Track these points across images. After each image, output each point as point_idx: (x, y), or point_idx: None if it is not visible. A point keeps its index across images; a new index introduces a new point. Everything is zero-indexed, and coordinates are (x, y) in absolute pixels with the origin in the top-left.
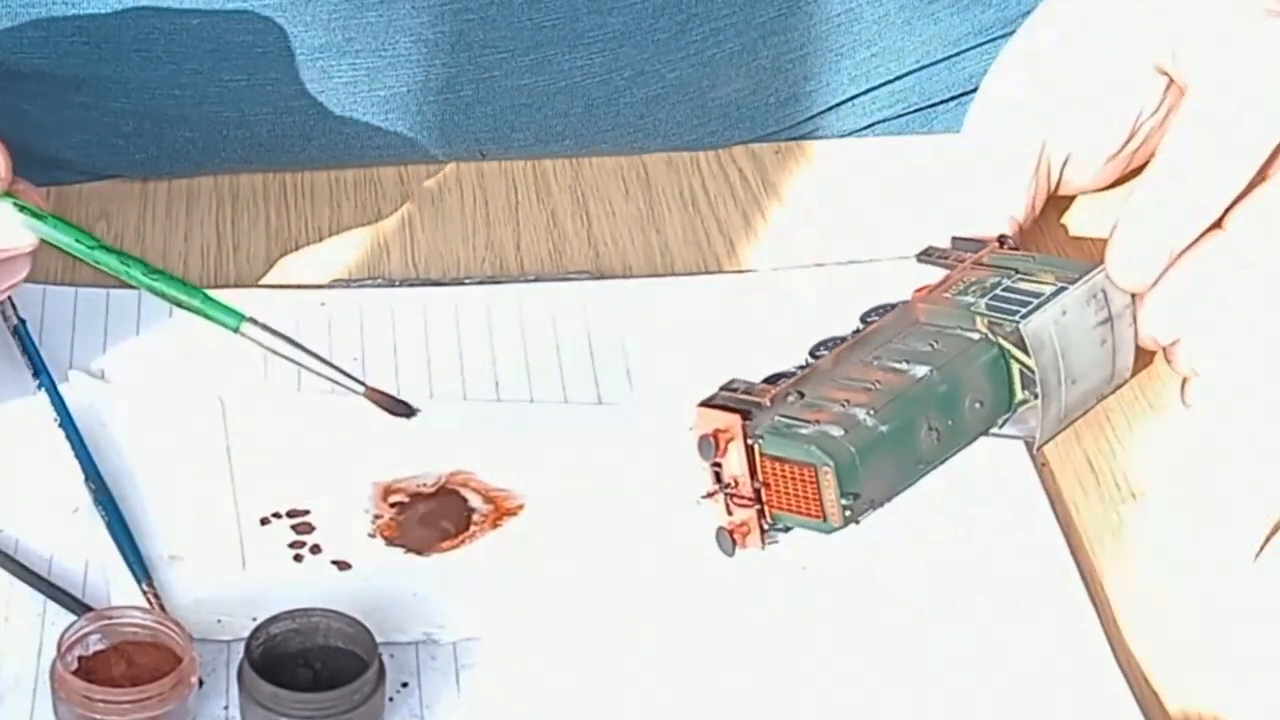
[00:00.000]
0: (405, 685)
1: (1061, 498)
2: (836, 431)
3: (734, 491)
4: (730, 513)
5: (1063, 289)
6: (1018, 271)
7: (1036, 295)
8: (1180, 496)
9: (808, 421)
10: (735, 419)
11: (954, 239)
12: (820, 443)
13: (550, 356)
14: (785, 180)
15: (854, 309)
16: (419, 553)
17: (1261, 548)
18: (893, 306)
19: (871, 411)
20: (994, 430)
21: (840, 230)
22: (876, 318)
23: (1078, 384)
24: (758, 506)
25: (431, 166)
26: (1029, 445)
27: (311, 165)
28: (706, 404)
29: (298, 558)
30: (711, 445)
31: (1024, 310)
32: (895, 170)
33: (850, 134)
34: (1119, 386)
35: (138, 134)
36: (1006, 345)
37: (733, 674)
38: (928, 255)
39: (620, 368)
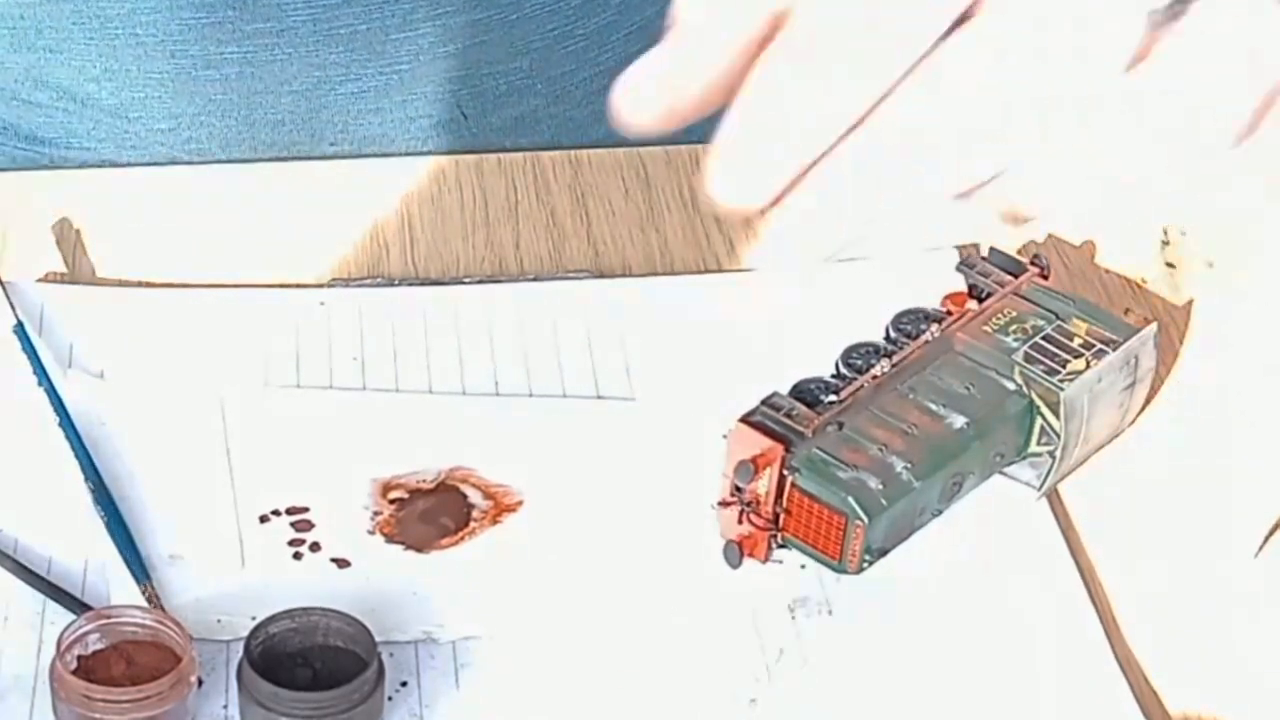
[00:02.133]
0: (404, 684)
1: (1061, 498)
2: (874, 483)
3: (753, 509)
4: (740, 523)
5: (1101, 352)
6: (1056, 317)
7: (1072, 353)
8: (1181, 496)
9: (845, 463)
10: (778, 449)
11: (992, 249)
12: (858, 494)
13: (550, 356)
14: None
15: (853, 308)
16: (418, 550)
17: (1262, 546)
18: (924, 314)
19: (908, 466)
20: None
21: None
22: (907, 324)
23: (1089, 443)
24: (773, 529)
25: (431, 164)
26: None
27: (290, 138)
28: (747, 421)
29: (297, 555)
30: (750, 469)
31: (1063, 372)
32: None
33: None
34: (1114, 438)
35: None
36: (1039, 402)
37: (733, 672)
38: (967, 265)
39: (620, 367)
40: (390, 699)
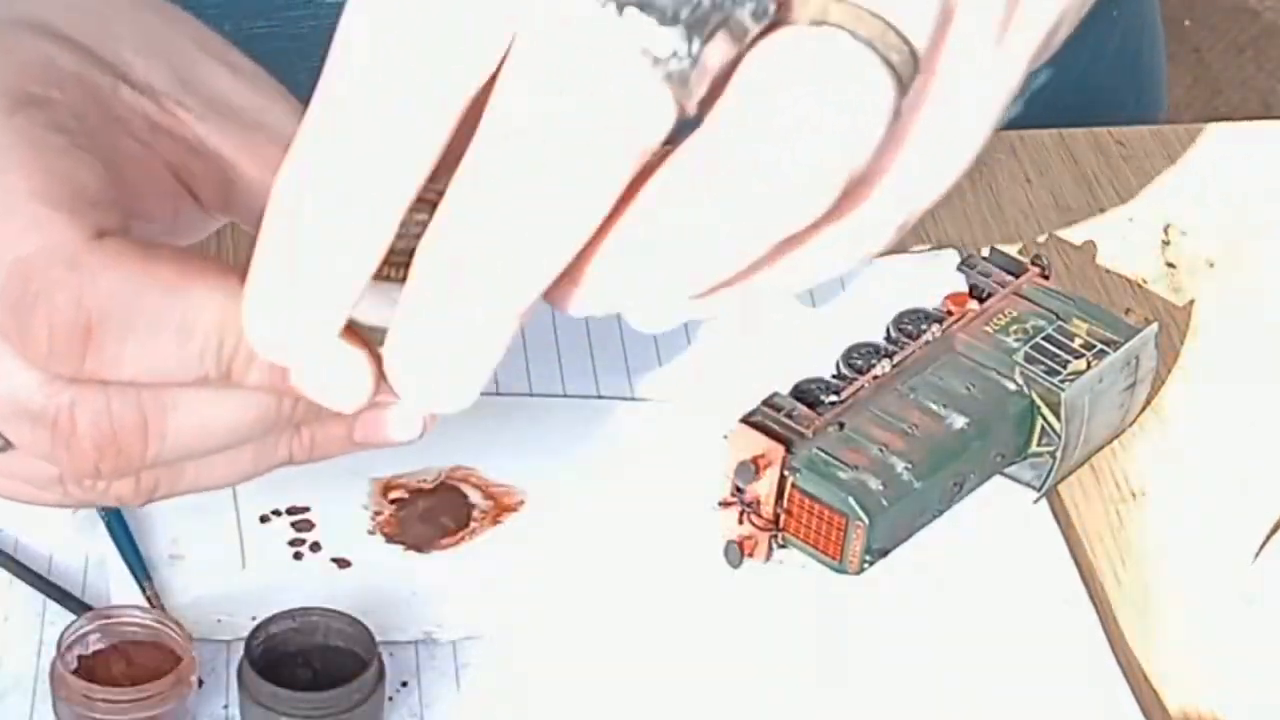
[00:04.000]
0: (405, 684)
1: (1061, 498)
2: (874, 483)
3: (753, 509)
4: (741, 524)
5: (1101, 353)
6: (1057, 317)
7: (1072, 353)
8: (1180, 496)
9: (845, 463)
10: (779, 449)
11: (992, 250)
12: (858, 494)
13: (549, 355)
14: None
15: (853, 308)
16: (419, 549)
17: (1262, 546)
18: (925, 314)
19: (909, 466)
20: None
21: None
22: (908, 324)
23: (1089, 443)
24: (773, 529)
25: None
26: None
27: None
28: (747, 421)
29: (297, 555)
30: (751, 470)
31: (1064, 372)
32: None
33: None
34: (1114, 438)
35: None
36: (1039, 402)
37: (733, 673)
38: (967, 265)
39: (620, 367)
40: (390, 699)
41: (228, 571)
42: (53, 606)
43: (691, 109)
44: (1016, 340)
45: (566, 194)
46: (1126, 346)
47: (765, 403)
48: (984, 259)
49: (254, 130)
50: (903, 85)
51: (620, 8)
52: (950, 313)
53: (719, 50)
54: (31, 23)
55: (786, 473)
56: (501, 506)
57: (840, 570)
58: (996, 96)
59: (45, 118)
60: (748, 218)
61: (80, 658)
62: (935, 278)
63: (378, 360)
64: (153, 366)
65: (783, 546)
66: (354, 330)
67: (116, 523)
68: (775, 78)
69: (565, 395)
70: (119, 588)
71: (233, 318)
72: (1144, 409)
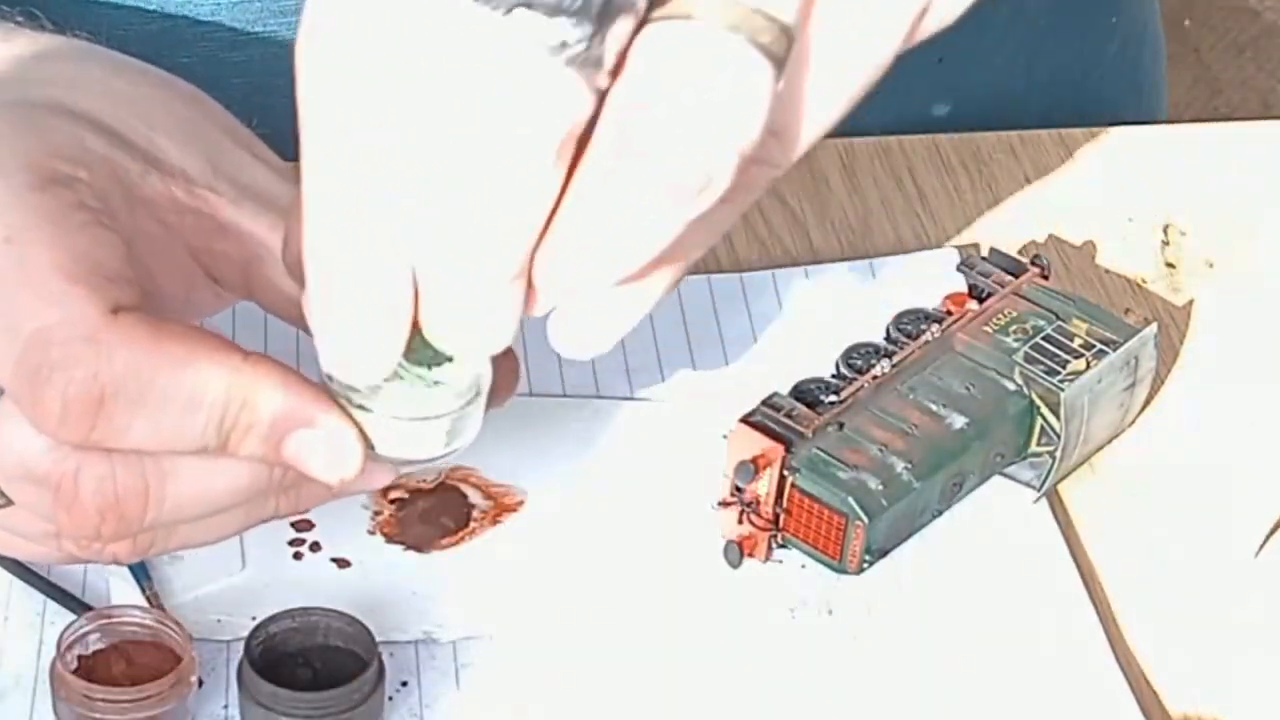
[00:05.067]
0: (405, 684)
1: (1061, 498)
2: (874, 483)
3: (753, 509)
4: (740, 523)
5: (1101, 353)
6: (1056, 317)
7: (1072, 353)
8: (1180, 496)
9: (845, 463)
10: (779, 449)
11: (992, 250)
12: (858, 495)
13: (550, 356)
14: (785, 180)
15: (853, 308)
16: (419, 549)
17: (1262, 546)
18: (924, 314)
19: (909, 466)
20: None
21: (839, 230)
22: (908, 324)
23: (1089, 443)
24: (773, 529)
25: None
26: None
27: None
28: (747, 421)
29: (297, 555)
30: (750, 469)
31: (1064, 372)
32: (894, 170)
33: None
34: (1114, 438)
35: None
36: (1039, 402)
37: (733, 672)
38: (967, 265)
39: (620, 367)
40: (390, 699)
41: (228, 571)
42: (53, 606)
43: (604, 82)
44: (1016, 340)
45: (505, 191)
46: (1126, 346)
47: (765, 403)
48: (984, 259)
49: (283, 217)
50: (779, 61)
51: (508, 9)
52: (950, 313)
53: (623, 25)
54: (68, 108)
55: (786, 473)
56: (501, 506)
57: (840, 570)
58: (884, 44)
59: (71, 196)
60: (656, 213)
61: (80, 658)
62: (935, 278)
63: (365, 438)
64: (158, 437)
65: (782, 546)
66: (344, 409)
67: None
68: (656, 75)
69: (565, 395)
70: (119, 588)
71: (236, 392)
72: (1144, 409)
